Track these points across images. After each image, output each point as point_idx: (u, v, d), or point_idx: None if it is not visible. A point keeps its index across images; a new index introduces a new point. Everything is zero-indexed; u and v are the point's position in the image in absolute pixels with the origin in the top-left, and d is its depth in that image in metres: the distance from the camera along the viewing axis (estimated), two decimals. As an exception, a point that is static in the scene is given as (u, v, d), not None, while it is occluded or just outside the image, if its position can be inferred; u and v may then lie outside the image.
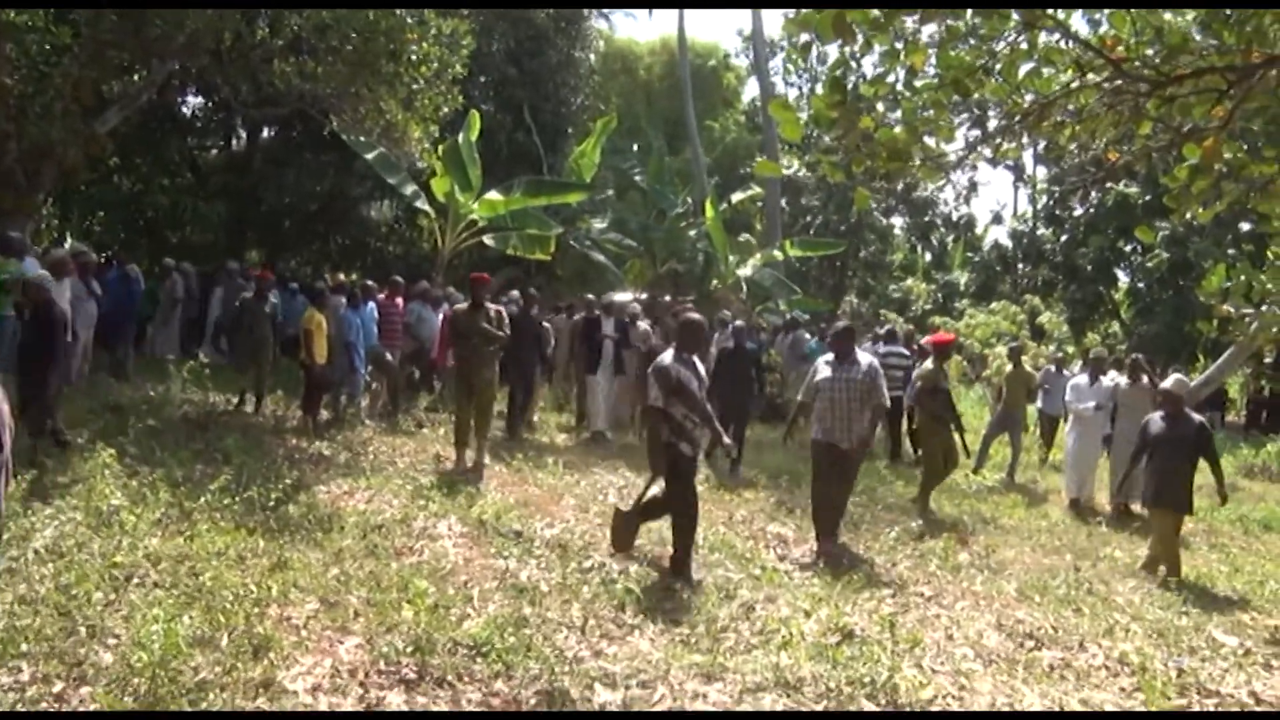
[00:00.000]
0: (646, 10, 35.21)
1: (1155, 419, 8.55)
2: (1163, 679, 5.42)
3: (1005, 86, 4.81)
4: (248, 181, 19.67)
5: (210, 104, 19.57)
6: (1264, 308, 8.21)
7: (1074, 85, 4.85)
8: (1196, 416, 8.55)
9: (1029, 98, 4.97)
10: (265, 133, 21.01)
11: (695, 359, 6.97)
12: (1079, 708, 4.95)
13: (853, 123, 4.69)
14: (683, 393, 6.65)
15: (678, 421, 6.68)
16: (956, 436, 10.22)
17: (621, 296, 14.38)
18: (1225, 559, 9.29)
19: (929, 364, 10.50)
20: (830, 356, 8.17)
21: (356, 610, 5.38)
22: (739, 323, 13.32)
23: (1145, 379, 11.45)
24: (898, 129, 5.04)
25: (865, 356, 8.15)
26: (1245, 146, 7.18)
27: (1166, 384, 8.84)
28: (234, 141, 21.69)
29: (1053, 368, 14.06)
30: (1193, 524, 10.89)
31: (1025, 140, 5.65)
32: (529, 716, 4.31)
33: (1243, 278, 8.27)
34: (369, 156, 15.93)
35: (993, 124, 5.18)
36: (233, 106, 16.06)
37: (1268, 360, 24.16)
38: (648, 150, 23.59)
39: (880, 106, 4.82)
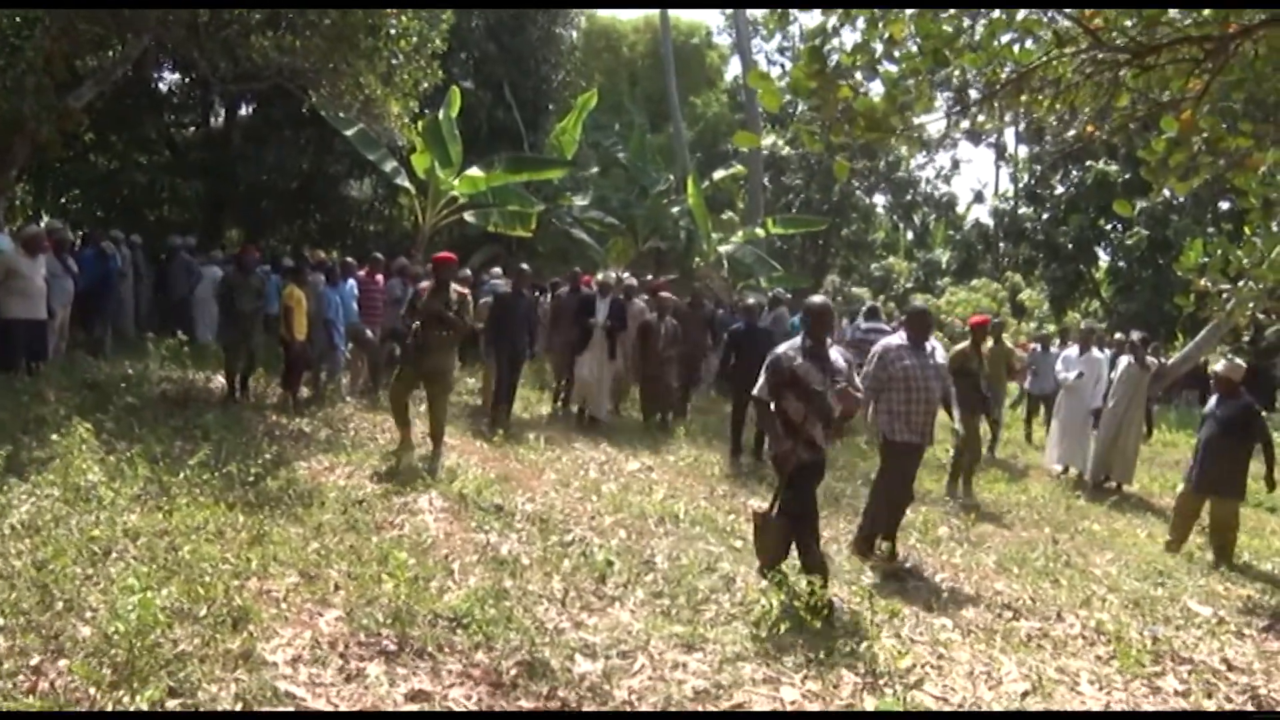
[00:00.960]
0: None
1: (1211, 402, 8.48)
2: (1138, 647, 5.48)
3: (983, 57, 4.80)
4: (226, 159, 19.46)
5: (187, 80, 19.32)
6: (1240, 283, 8.26)
7: (1052, 56, 4.85)
8: (1246, 398, 8.47)
9: (1008, 69, 4.96)
10: (243, 110, 20.78)
11: (828, 350, 5.89)
12: (1055, 676, 5.00)
13: (831, 92, 4.68)
14: (798, 387, 5.73)
15: (790, 420, 5.75)
16: (984, 422, 9.96)
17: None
18: (1200, 532, 9.35)
19: (962, 345, 10.18)
20: (900, 341, 7.03)
21: (337, 583, 5.37)
22: (751, 301, 12.57)
23: (1148, 360, 11.46)
24: (876, 99, 5.03)
25: (930, 341, 7.21)
26: (1226, 123, 7.21)
27: (1218, 367, 8.70)
28: (212, 119, 21.44)
29: (1038, 347, 14.13)
30: (1169, 497, 11.00)
31: (1004, 113, 5.64)
32: (562, 716, 4.32)
33: (1220, 253, 8.31)
34: (348, 133, 15.81)
35: (972, 95, 5.16)
36: (210, 83, 15.85)
37: (1245, 338, 24.34)
38: (630, 127, 23.50)
39: (859, 76, 4.81)
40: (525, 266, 12.04)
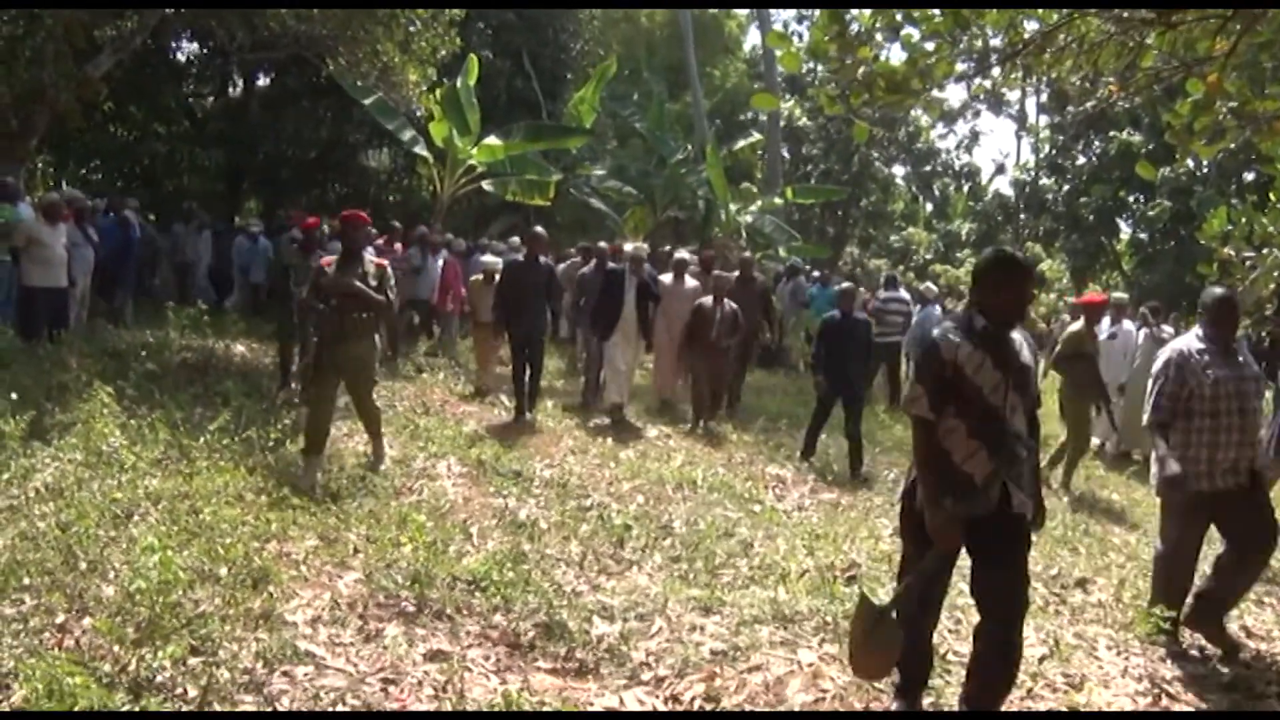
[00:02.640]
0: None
1: None
2: (1156, 614, 5.45)
3: (1005, 17, 4.74)
4: (245, 129, 19.49)
5: (205, 50, 19.32)
6: (1264, 251, 8.17)
7: (1075, 15, 4.78)
8: None
9: (1032, 26, 4.90)
10: (262, 80, 20.80)
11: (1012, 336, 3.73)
12: (1073, 641, 4.99)
13: (851, 54, 4.64)
14: (963, 394, 3.61)
15: (949, 459, 3.65)
16: (1102, 410, 9.42)
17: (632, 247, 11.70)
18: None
19: (1076, 326, 9.48)
20: (1194, 344, 5.18)
21: (356, 546, 5.42)
22: (847, 285, 10.29)
23: (1158, 330, 11.37)
24: (897, 63, 4.98)
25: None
26: (1253, 87, 7.11)
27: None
28: (230, 88, 21.48)
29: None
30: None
31: (1026, 74, 5.58)
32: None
33: (1244, 221, 8.21)
34: (366, 102, 15.76)
35: (993, 58, 5.10)
36: (228, 52, 15.90)
37: (1269, 311, 24.11)
38: (648, 97, 23.37)
39: (879, 37, 4.75)
40: (540, 230, 10.42)
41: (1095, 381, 9.19)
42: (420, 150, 17.14)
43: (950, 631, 4.85)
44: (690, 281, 11.22)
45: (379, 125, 17.16)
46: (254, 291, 14.63)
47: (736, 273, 11.92)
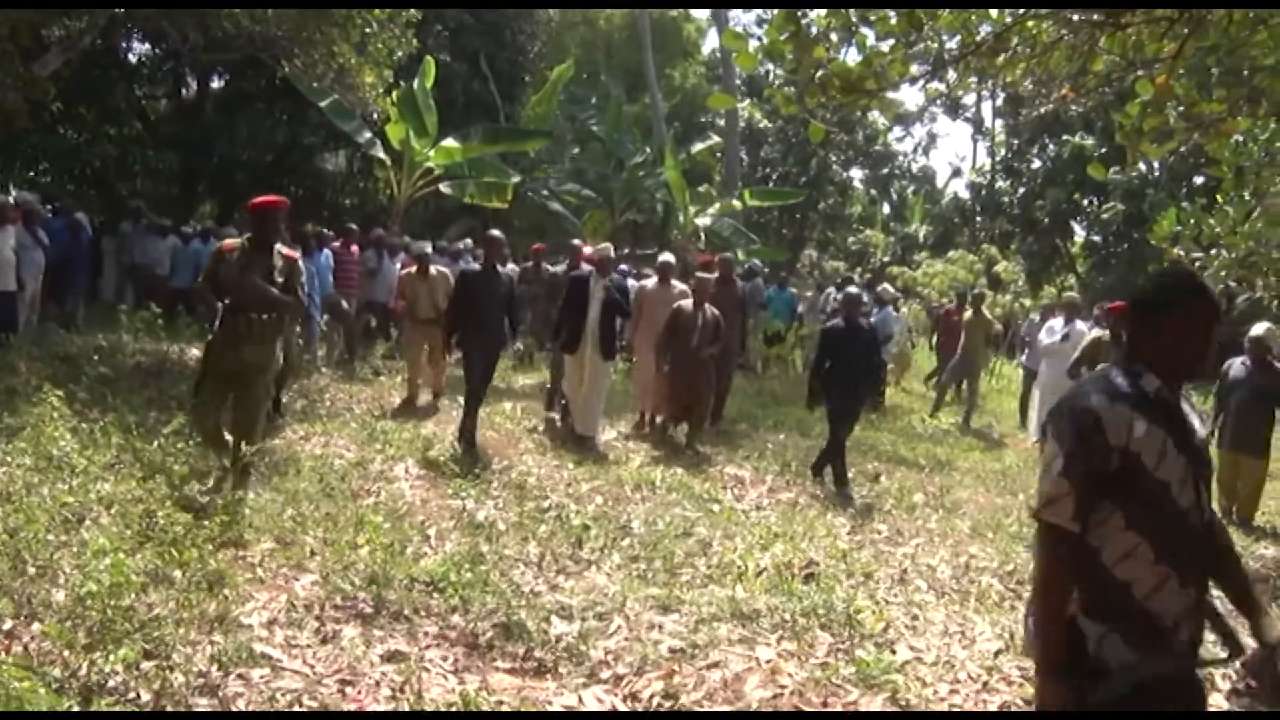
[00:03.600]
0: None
1: (1237, 365, 8.51)
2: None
3: (959, 19, 4.80)
4: (199, 132, 19.28)
5: (157, 51, 19.11)
6: (1213, 252, 8.33)
7: (1026, 16, 4.86)
8: (1278, 364, 8.46)
9: (985, 29, 4.97)
10: (216, 81, 20.61)
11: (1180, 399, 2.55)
12: (1028, 634, 5.04)
13: (806, 54, 4.67)
14: (1139, 493, 2.43)
15: (1116, 582, 2.45)
16: None
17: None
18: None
19: (1097, 332, 9.13)
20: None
21: (312, 549, 5.37)
22: (854, 290, 9.64)
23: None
24: (853, 64, 5.02)
25: None
26: (1200, 90, 7.25)
27: (1257, 331, 8.56)
28: (184, 90, 21.25)
29: (1036, 317, 13.79)
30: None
31: (979, 75, 5.66)
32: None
33: (1193, 222, 8.38)
34: (323, 104, 15.64)
35: (947, 59, 5.16)
36: (181, 53, 15.71)
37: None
38: (606, 100, 23.42)
39: (834, 38, 4.80)
40: (498, 233, 9.06)
41: None
42: (377, 152, 17.04)
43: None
44: (678, 285, 10.11)
45: (335, 128, 17.05)
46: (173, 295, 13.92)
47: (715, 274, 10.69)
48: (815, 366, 8.67)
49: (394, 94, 15.35)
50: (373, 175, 20.52)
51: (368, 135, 16.78)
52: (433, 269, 10.24)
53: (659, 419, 9.90)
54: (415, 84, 16.24)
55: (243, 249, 6.19)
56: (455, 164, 17.02)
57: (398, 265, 13.16)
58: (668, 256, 10.81)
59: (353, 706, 3.71)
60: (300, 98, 16.20)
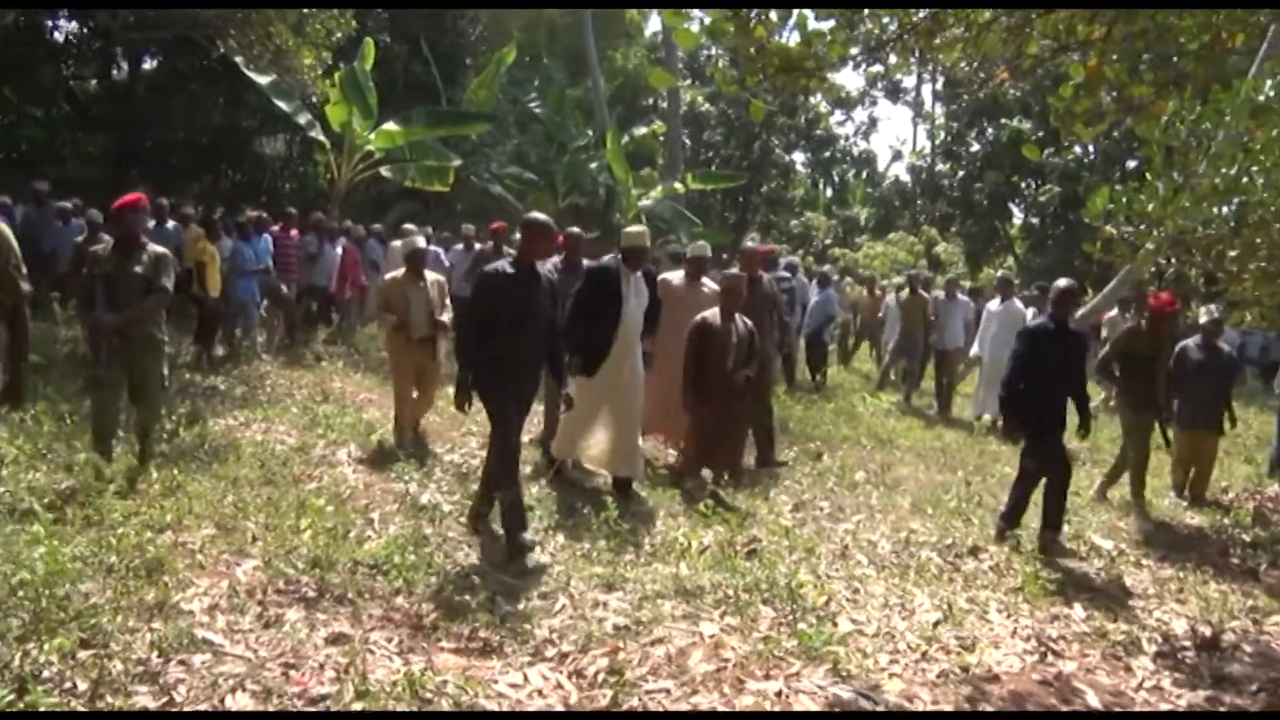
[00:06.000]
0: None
1: (1191, 347, 8.59)
2: (1045, 579, 5.66)
3: (896, -1, 4.86)
4: (131, 113, 18.82)
5: (86, 29, 18.60)
6: (1144, 228, 8.49)
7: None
8: (1226, 346, 8.63)
9: (921, 12, 5.03)
10: (148, 61, 20.13)
11: None
12: (965, 606, 5.16)
13: (747, 33, 4.70)
14: None
15: None
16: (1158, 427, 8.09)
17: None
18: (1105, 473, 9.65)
19: (1129, 323, 8.66)
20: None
21: (254, 534, 5.33)
22: (1064, 284, 6.88)
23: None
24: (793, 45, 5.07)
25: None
26: (1131, 73, 7.39)
27: (1211, 314, 8.65)
28: (114, 70, 20.71)
29: (941, 294, 13.21)
30: (1075, 441, 11.34)
31: (916, 56, 5.73)
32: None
33: (1124, 200, 8.55)
34: (262, 81, 15.31)
35: (885, 39, 5.22)
36: (111, 31, 15.34)
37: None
38: (548, 83, 23.27)
39: (775, 17, 4.83)
40: (540, 217, 5.83)
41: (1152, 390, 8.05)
42: (317, 134, 16.80)
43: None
44: (708, 285, 8.08)
45: (273, 111, 16.74)
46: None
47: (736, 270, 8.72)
48: (1009, 386, 6.80)
49: (334, 76, 15.15)
50: (312, 159, 20.24)
51: (307, 117, 16.52)
52: (429, 275, 7.95)
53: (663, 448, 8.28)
54: (355, 65, 16.02)
55: (112, 249, 6.21)
56: (396, 147, 16.83)
57: (338, 250, 13.02)
58: (702, 247, 8.40)
59: (297, 689, 3.69)
60: (237, 80, 15.90)
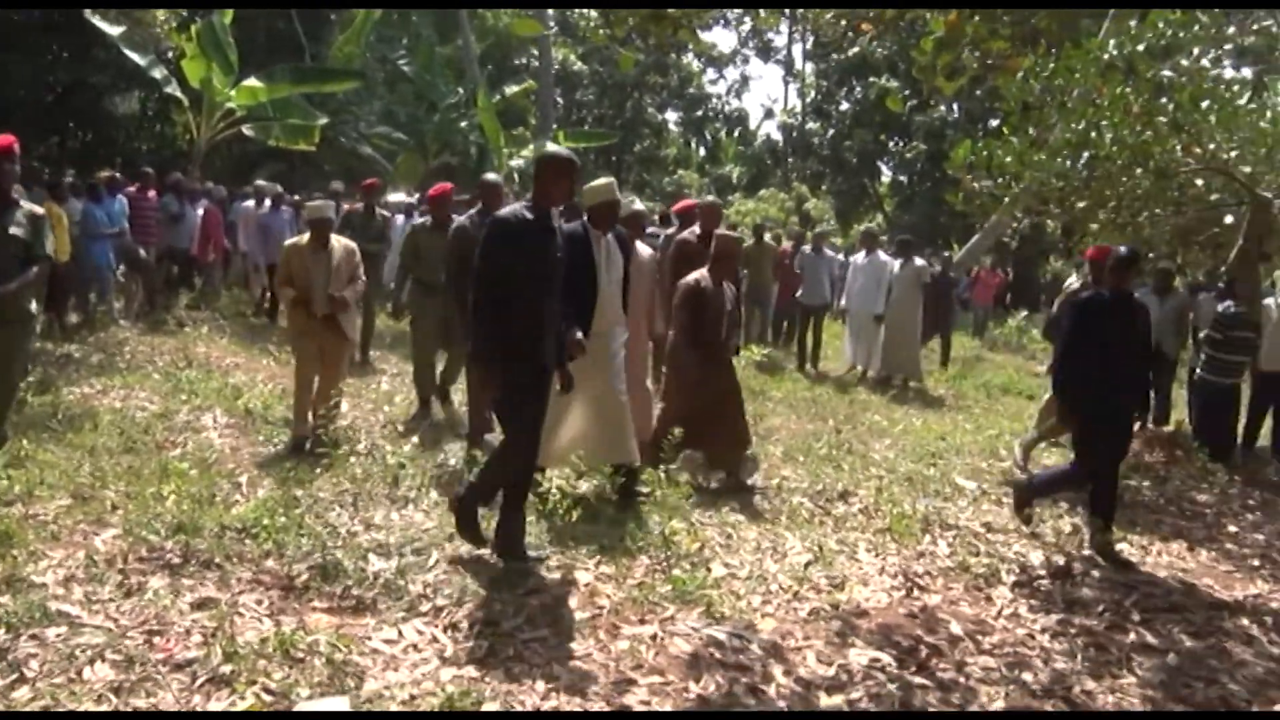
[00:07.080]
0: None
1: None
2: (910, 518, 5.87)
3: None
4: (-37, 69, 17.71)
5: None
6: (1001, 180, 8.78)
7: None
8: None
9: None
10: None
11: None
12: (835, 547, 5.31)
13: (610, -18, 4.67)
14: None
15: None
16: None
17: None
18: (970, 419, 10.04)
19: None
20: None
21: (113, 503, 5.15)
22: (1126, 251, 5.90)
23: (916, 260, 12.06)
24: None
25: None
26: (991, 31, 7.60)
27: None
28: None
29: (808, 248, 13.02)
30: (943, 389, 11.77)
31: (786, 16, 5.78)
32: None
33: (984, 153, 8.82)
34: (113, 32, 14.55)
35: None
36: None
37: (1012, 245, 26.09)
38: (417, 40, 22.78)
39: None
40: (560, 151, 5.07)
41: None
42: (174, 91, 16.09)
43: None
44: (644, 250, 6.76)
45: (126, 69, 15.99)
46: None
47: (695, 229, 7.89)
48: (1057, 367, 6.26)
49: (191, 29, 14.52)
50: (169, 118, 19.40)
51: (163, 73, 15.80)
52: (335, 240, 6.79)
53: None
54: (214, 19, 15.36)
55: None
56: (259, 105, 16.26)
57: (199, 211, 12.57)
58: (636, 203, 7.01)
59: (161, 655, 3.58)
60: (84, 33, 15.12)
